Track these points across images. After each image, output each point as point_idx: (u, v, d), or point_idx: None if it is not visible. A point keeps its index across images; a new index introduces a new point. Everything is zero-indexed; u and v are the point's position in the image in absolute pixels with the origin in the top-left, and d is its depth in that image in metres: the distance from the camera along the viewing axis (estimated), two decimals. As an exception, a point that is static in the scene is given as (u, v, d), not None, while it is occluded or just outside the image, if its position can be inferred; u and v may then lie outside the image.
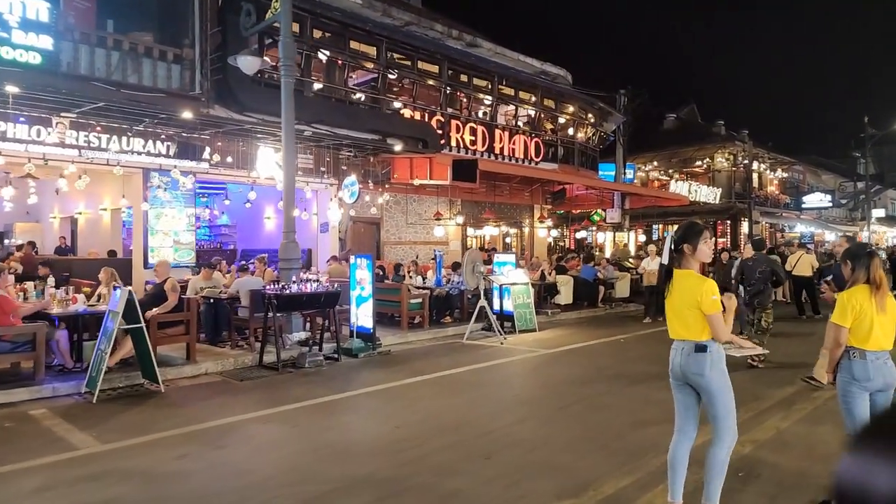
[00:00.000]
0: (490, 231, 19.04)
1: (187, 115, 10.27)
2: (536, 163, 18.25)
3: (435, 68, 15.61)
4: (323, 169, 13.99)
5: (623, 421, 5.70)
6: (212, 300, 9.20)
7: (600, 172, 23.67)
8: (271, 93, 12.00)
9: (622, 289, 16.02)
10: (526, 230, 20.81)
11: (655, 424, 5.27)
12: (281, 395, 6.77)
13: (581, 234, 23.54)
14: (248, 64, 9.24)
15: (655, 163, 32.67)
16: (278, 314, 8.19)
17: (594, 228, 25.77)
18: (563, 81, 20.57)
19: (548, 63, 19.88)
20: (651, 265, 12.30)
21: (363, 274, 9.13)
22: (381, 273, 11.93)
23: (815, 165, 38.71)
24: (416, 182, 13.40)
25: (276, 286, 8.21)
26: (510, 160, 17.43)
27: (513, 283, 11.12)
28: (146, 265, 11.45)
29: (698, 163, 31.90)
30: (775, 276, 8.39)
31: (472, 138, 16.18)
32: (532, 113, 18.91)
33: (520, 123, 18.94)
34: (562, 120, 20.38)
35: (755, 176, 31.45)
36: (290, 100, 9.15)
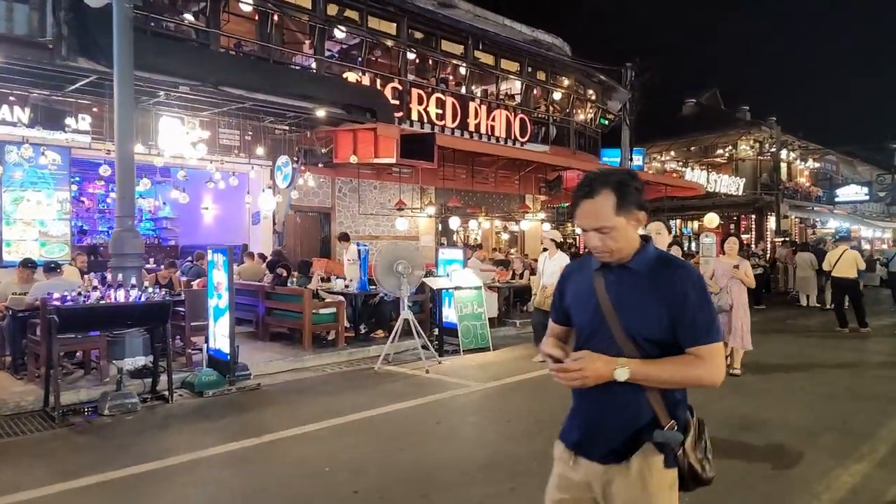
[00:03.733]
0: (470, 223, 16.07)
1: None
2: (523, 143, 15.21)
3: (392, 27, 12.69)
4: (262, 149, 11.22)
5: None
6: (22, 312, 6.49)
7: (604, 158, 20.47)
8: (161, 44, 9.29)
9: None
10: (517, 223, 17.76)
11: None
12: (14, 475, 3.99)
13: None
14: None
15: (672, 153, 29.19)
16: (69, 335, 5.43)
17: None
18: (560, 52, 17.45)
19: (540, 30, 16.78)
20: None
21: (220, 276, 6.30)
22: (286, 274, 9.11)
23: (850, 155, 34.65)
24: (353, 160, 10.55)
25: (72, 295, 5.42)
26: (490, 140, 14.44)
27: (455, 286, 8.19)
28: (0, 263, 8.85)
29: (720, 151, 28.35)
30: None
31: (440, 112, 13.23)
32: (518, 85, 15.87)
33: (504, 98, 15.93)
34: (556, 96, 17.27)
35: (783, 166, 27.77)
36: (124, 33, 6.38)
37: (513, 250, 16.18)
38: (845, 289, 10.46)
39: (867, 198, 32.02)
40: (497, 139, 14.67)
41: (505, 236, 19.01)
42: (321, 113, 9.92)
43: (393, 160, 10.56)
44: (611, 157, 20.45)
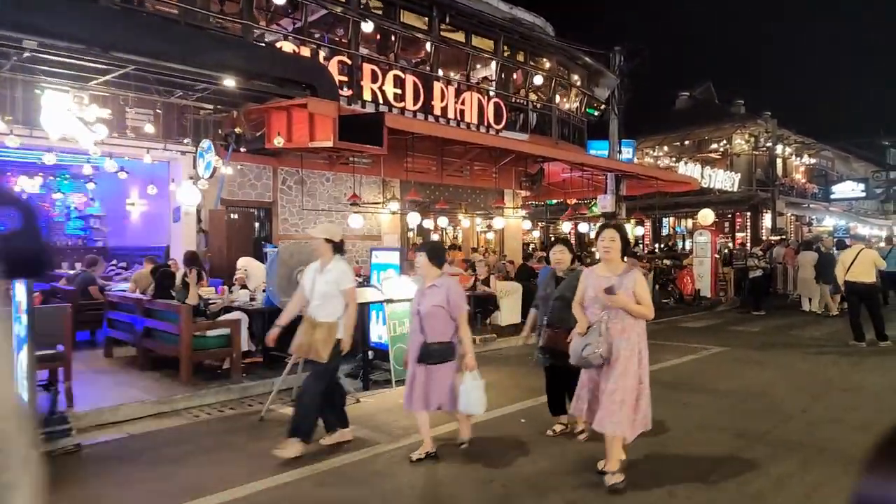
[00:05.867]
0: (441, 221, 14.10)
1: None
2: (498, 131, 13.24)
3: (341, -8, 10.70)
4: (187, 139, 9.25)
5: None
6: None
7: (592, 151, 18.51)
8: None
9: (603, 299, 10.99)
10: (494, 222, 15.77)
11: None
12: None
13: (568, 227, 18.44)
14: None
15: (666, 148, 27.30)
16: None
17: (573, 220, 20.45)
18: (542, 33, 15.46)
19: (520, 8, 14.77)
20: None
21: (20, 292, 4.32)
22: (200, 281, 7.13)
23: (846, 151, 32.78)
24: (278, 142, 8.55)
25: None
26: (459, 125, 12.47)
27: (386, 299, 6.22)
28: None
29: (714, 146, 26.42)
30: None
31: (398, 91, 11.23)
32: (493, 67, 13.89)
33: (480, 81, 13.96)
34: (538, 80, 15.30)
35: (779, 162, 25.88)
36: None
37: (475, 253, 14.19)
38: (863, 295, 8.54)
39: (864, 194, 30.24)
40: (468, 125, 12.69)
41: (490, 235, 17.02)
42: (229, 82, 7.91)
43: (330, 143, 8.57)
44: (598, 150, 18.50)
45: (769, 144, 24.50)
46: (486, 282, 8.90)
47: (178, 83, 8.45)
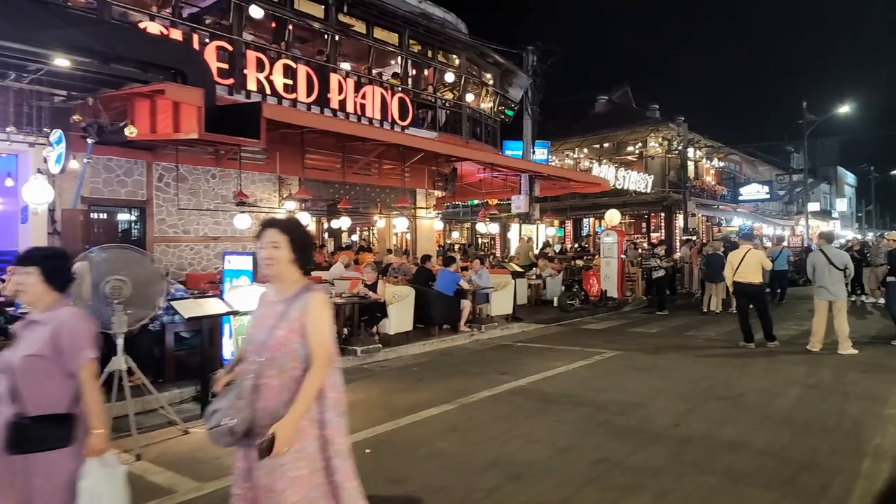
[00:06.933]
0: (342, 221, 13.26)
1: None
2: (403, 127, 12.56)
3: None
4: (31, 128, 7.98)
5: None
6: None
7: (507, 151, 18.20)
8: None
9: (504, 302, 10.51)
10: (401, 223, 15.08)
11: None
12: None
13: (485, 228, 18.03)
14: None
15: (586, 150, 27.52)
16: None
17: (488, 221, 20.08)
18: (453, 29, 14.92)
19: (429, 2, 14.16)
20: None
21: None
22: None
23: (752, 155, 34.37)
24: (130, 132, 7.50)
25: None
26: (360, 120, 11.69)
27: (231, 311, 5.39)
28: None
29: (630, 148, 26.87)
30: None
31: (289, 82, 10.34)
32: (400, 60, 13.20)
33: (389, 78, 13.23)
34: (449, 78, 14.75)
35: (691, 165, 26.62)
36: None
37: (390, 254, 13.49)
38: (751, 296, 8.44)
39: (768, 196, 31.71)
40: (370, 120, 11.94)
41: (410, 236, 16.28)
42: (62, 62, 6.81)
43: (195, 135, 7.60)
44: (514, 151, 18.20)
45: (681, 148, 25.11)
46: (374, 287, 8.18)
47: (10, 63, 7.25)
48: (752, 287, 8.36)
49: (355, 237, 23.23)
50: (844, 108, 29.54)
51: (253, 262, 5.78)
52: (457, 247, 25.43)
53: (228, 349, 5.75)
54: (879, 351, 7.95)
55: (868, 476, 3.75)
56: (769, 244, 19.51)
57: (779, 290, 14.34)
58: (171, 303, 5.26)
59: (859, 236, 34.06)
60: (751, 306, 8.42)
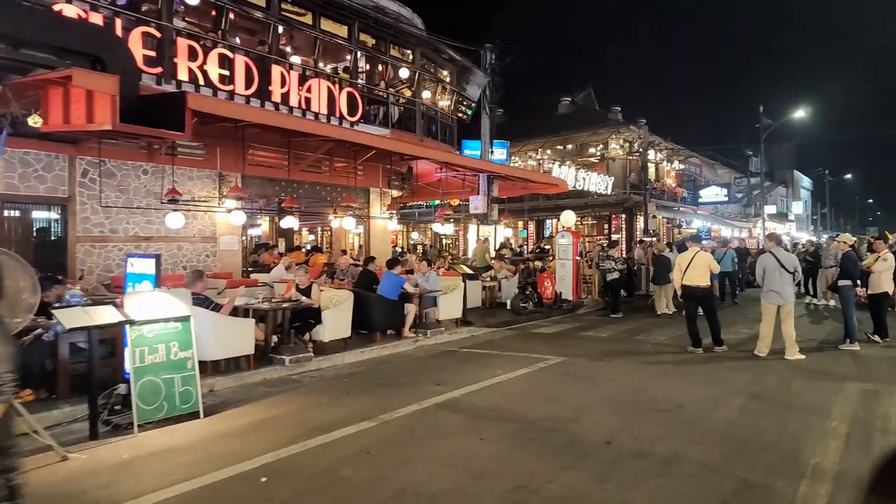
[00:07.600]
0: (289, 221, 12.65)
1: None
2: (353, 123, 12.02)
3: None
4: None
5: None
6: None
7: (466, 151, 17.79)
8: None
9: (453, 306, 10.08)
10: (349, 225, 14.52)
11: None
12: None
13: (441, 229, 17.61)
14: None
15: (549, 151, 27.34)
16: None
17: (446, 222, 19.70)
18: (408, 23, 14.43)
19: (384, -5, 13.63)
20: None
21: None
22: None
23: (712, 158, 34.82)
24: (34, 122, 6.83)
25: None
26: (305, 115, 11.12)
27: (125, 320, 4.80)
28: None
29: (592, 150, 26.83)
30: None
31: (226, 73, 9.71)
32: (352, 54, 12.66)
33: (338, 72, 12.67)
34: (403, 73, 14.26)
35: (652, 167, 26.70)
36: None
37: (344, 256, 12.95)
38: (699, 299, 8.20)
39: (726, 199, 32.19)
40: (316, 115, 11.36)
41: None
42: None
43: (109, 126, 6.95)
44: (472, 150, 17.82)
45: (642, 150, 25.14)
46: (307, 291, 7.64)
47: None
48: (699, 290, 8.12)
49: (312, 237, 22.57)
50: (800, 113, 30.11)
51: (156, 265, 5.20)
52: (419, 248, 24.98)
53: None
54: (827, 356, 7.78)
55: (804, 502, 3.42)
56: (714, 244, 19.62)
57: (729, 292, 14.34)
58: (53, 311, 4.64)
59: (814, 238, 34.84)
60: (699, 310, 8.19)
